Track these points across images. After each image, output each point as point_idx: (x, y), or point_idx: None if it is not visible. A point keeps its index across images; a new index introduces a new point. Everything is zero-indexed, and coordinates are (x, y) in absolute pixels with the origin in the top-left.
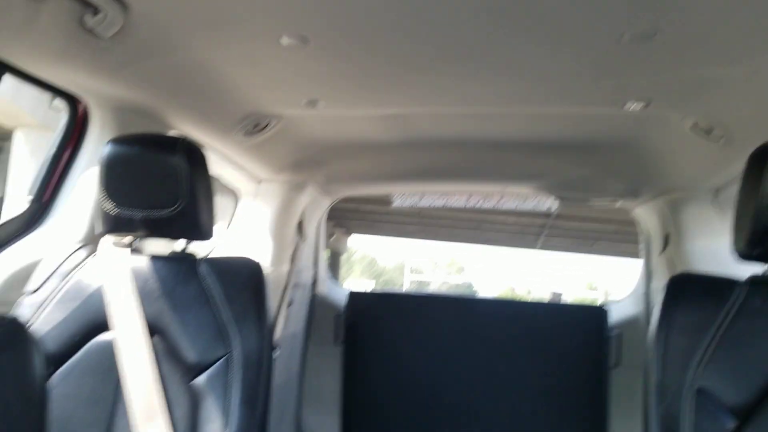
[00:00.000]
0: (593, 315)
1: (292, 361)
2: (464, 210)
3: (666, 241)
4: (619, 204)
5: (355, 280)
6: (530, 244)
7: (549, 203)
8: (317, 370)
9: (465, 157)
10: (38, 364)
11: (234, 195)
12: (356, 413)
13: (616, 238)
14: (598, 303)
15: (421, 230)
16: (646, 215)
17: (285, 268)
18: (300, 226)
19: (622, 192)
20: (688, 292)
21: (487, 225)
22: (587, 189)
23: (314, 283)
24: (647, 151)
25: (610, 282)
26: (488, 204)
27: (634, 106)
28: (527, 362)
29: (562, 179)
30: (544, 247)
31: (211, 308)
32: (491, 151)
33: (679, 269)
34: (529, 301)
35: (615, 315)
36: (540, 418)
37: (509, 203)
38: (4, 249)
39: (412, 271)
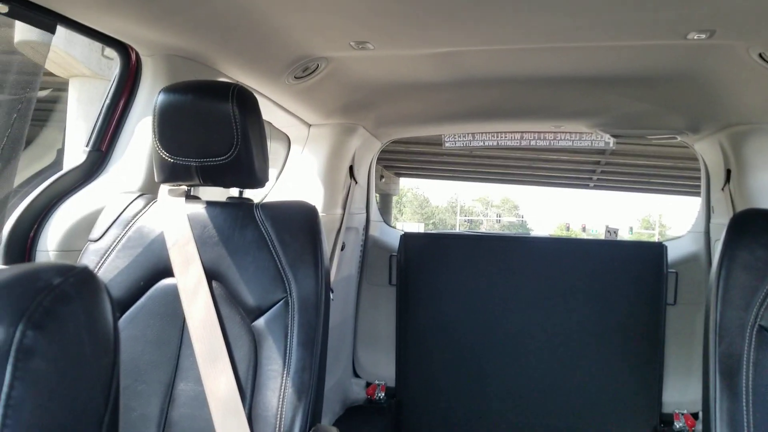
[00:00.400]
0: (651, 252)
1: (347, 302)
2: (516, 149)
3: (727, 177)
4: (678, 139)
5: (406, 223)
6: (584, 183)
7: (605, 140)
8: (371, 310)
9: (518, 95)
10: (109, 310)
11: (286, 139)
12: (410, 352)
13: (673, 175)
14: (656, 240)
15: (471, 171)
16: (706, 150)
17: (338, 211)
18: (351, 170)
19: (682, 127)
20: (753, 229)
21: (540, 163)
22: (645, 125)
23: (366, 225)
24: (709, 84)
25: (667, 220)
26: (542, 143)
27: (696, 37)
28: (583, 300)
29: (618, 115)
30: (598, 185)
31: (269, 253)
32: (545, 88)
33: (741, 205)
34: (585, 238)
35: (673, 252)
36: (595, 356)
37: (563, 141)
38: (68, 198)
39: (463, 211)
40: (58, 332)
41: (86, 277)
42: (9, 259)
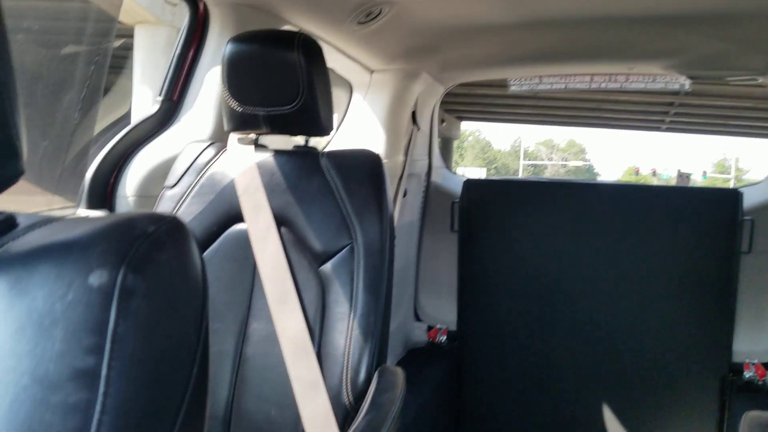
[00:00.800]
0: (725, 199)
1: (409, 248)
2: (584, 90)
3: None
4: (759, 81)
5: (467, 168)
6: (656, 125)
7: (680, 82)
8: (433, 256)
9: (588, 36)
10: (198, 256)
11: (348, 86)
12: (473, 298)
13: (753, 116)
14: (731, 186)
15: (537, 113)
16: None
17: (400, 158)
18: (413, 116)
19: (765, 67)
20: None
21: (609, 105)
22: (724, 66)
23: (429, 172)
24: None
25: (744, 163)
26: (612, 85)
27: None
28: (653, 247)
29: (695, 56)
30: (671, 127)
31: (334, 201)
32: (617, 28)
33: None
34: (655, 185)
35: (750, 199)
36: (664, 304)
37: (635, 84)
38: (144, 146)
39: (527, 156)
40: (155, 275)
41: (177, 225)
42: (92, 204)
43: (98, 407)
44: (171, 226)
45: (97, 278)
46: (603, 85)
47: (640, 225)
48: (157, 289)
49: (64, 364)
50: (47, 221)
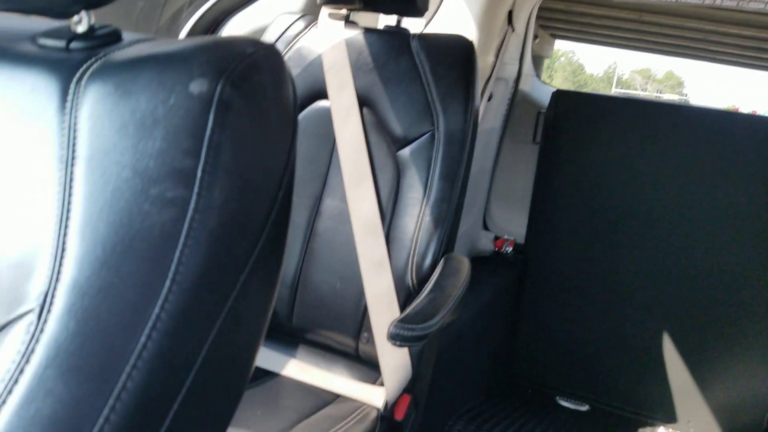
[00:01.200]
0: None
1: (486, 155)
2: (691, 18)
3: None
4: None
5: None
6: (765, 64)
7: None
8: (510, 166)
9: None
10: (291, 85)
11: None
12: (545, 212)
13: None
14: None
15: (637, 38)
16: None
17: (490, 59)
18: (510, 15)
19: None
20: None
21: (717, 37)
22: None
23: (518, 78)
24: None
25: None
26: (729, 3)
27: None
28: (741, 181)
29: None
30: None
31: (420, 85)
32: None
33: None
34: (753, 114)
35: None
36: (740, 241)
37: (755, 4)
38: (235, 14)
39: (620, 83)
40: (251, 94)
41: (274, 52)
42: None
43: (192, 205)
44: (269, 51)
45: (197, 86)
46: (718, 2)
47: (732, 154)
48: (251, 107)
49: (164, 161)
50: (150, 38)
